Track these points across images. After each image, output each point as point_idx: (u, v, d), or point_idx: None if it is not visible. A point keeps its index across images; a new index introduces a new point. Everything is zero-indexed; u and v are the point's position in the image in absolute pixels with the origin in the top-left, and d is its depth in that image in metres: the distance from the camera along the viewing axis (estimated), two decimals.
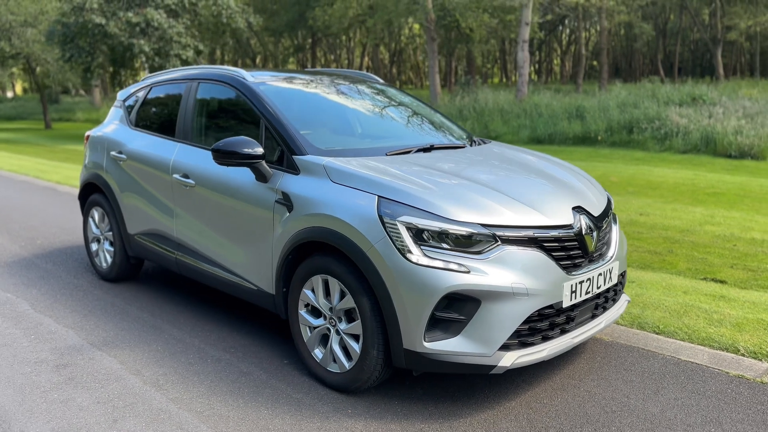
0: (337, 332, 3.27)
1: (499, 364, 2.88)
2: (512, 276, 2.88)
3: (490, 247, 2.90)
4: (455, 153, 3.89)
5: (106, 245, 5.18)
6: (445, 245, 2.90)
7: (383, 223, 2.95)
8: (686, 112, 15.14)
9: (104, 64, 22.48)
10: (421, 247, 2.89)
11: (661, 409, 3.08)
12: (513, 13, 24.39)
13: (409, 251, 2.88)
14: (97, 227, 5.28)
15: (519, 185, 3.35)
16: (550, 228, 3.04)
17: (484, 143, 4.29)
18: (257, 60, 46.82)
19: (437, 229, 2.90)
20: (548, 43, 52.39)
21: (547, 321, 3.03)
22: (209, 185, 3.94)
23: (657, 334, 4.02)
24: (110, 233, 5.08)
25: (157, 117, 4.79)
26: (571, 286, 3.06)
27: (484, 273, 2.85)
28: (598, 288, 3.24)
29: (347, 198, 3.14)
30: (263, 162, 3.54)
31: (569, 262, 3.08)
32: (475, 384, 3.35)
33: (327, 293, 3.29)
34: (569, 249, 3.09)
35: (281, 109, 3.77)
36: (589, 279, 3.16)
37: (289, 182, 3.45)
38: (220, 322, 4.32)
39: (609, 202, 3.70)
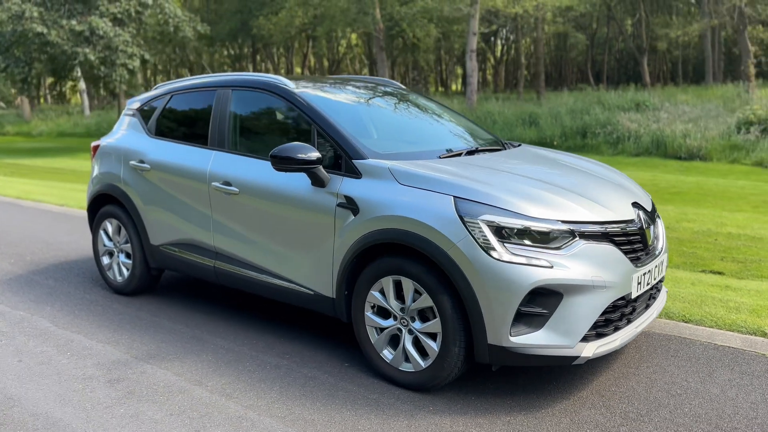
0: (410, 332, 3.32)
1: (582, 355, 3.01)
2: (591, 269, 3.03)
3: (569, 243, 3.04)
4: (500, 155, 4.02)
5: (122, 258, 5.04)
6: (526, 242, 3.01)
7: (464, 222, 3.04)
8: (635, 117, 15.90)
9: (42, 74, 21.56)
10: (504, 244, 2.99)
11: (721, 389, 3.29)
12: (459, 24, 24.95)
13: (493, 248, 2.98)
14: (111, 240, 5.13)
15: (579, 183, 3.51)
16: (617, 223, 3.21)
17: (517, 146, 4.44)
18: (193, 69, 45.88)
19: (519, 226, 3.01)
20: (482, 53, 53.70)
21: (619, 312, 3.19)
22: (256, 192, 3.93)
23: (685, 322, 4.26)
24: (127, 245, 4.95)
25: (183, 125, 4.72)
26: (638, 277, 3.23)
27: (566, 267, 2.98)
28: (654, 279, 3.43)
29: (421, 199, 3.21)
30: (321, 167, 3.57)
31: (634, 255, 3.25)
32: (540, 377, 3.48)
33: (397, 294, 3.35)
34: (633, 243, 3.26)
35: (332, 115, 3.81)
36: (649, 271, 3.35)
37: (351, 186, 3.49)
38: (260, 328, 4.29)
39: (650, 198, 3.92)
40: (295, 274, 3.80)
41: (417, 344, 3.34)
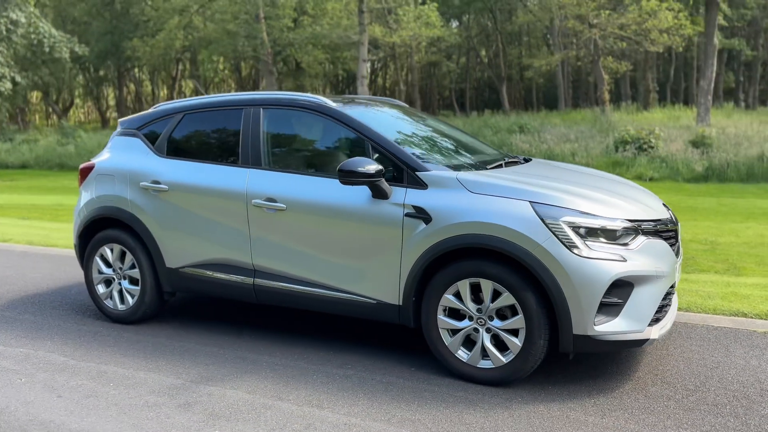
0: (488, 330, 3.56)
1: (651, 337, 3.42)
2: (652, 261, 3.46)
3: (633, 239, 3.45)
4: (532, 165, 4.38)
5: (125, 284, 4.80)
6: (601, 239, 3.39)
7: (546, 224, 3.36)
8: (525, 138, 17.20)
9: None
10: (585, 242, 3.35)
11: (743, 359, 3.85)
12: (348, 50, 25.55)
13: (576, 246, 3.32)
14: (109, 267, 4.87)
15: (618, 188, 3.95)
16: (661, 221, 3.68)
17: (531, 159, 4.82)
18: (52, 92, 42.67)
19: (597, 225, 3.38)
20: (373, 80, 54.97)
21: (668, 298, 3.66)
22: (307, 207, 3.99)
23: (734, 316, 4.71)
24: (133, 271, 4.73)
25: (203, 145, 4.64)
26: (677, 268, 3.72)
27: (635, 260, 3.39)
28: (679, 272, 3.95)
29: (499, 206, 3.49)
30: (383, 179, 3.74)
31: (674, 248, 3.74)
32: (594, 365, 3.85)
33: (473, 296, 3.58)
34: (671, 238, 3.75)
35: (384, 131, 4.00)
36: (680, 263, 3.85)
37: (418, 196, 3.69)
38: (302, 342, 4.30)
39: None
40: (354, 285, 3.90)
41: (494, 341, 3.58)
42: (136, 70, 45.77)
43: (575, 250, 3.32)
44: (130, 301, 4.78)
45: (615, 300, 3.36)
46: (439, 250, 3.58)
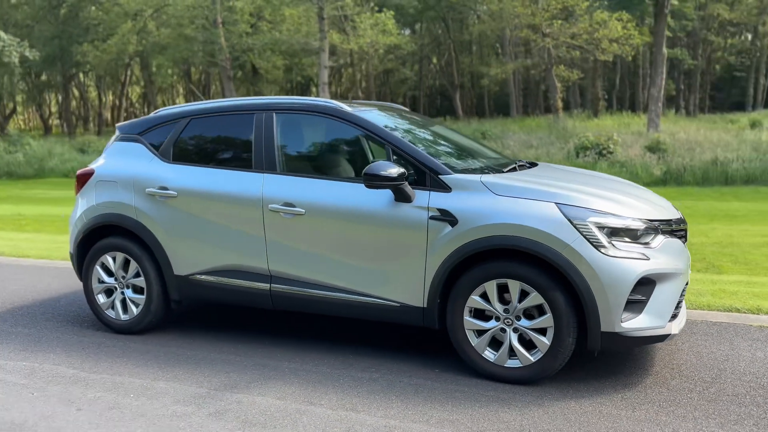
0: (515, 330, 3.64)
1: (672, 333, 3.56)
2: (670, 259, 3.60)
3: (654, 238, 3.59)
4: (541, 169, 4.48)
5: (129, 293, 4.68)
6: (626, 239, 3.51)
7: (574, 225, 3.46)
8: (489, 144, 17.47)
9: None
10: (611, 242, 3.46)
11: (749, 351, 4.04)
12: (307, 57, 25.47)
13: (603, 246, 3.43)
14: (111, 275, 4.74)
15: (632, 191, 4.09)
16: (674, 221, 3.84)
17: (537, 163, 4.89)
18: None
19: (621, 225, 3.50)
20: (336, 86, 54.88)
21: (683, 295, 3.81)
22: (327, 212, 3.99)
23: (729, 311, 4.90)
24: (138, 279, 4.62)
25: (211, 150, 4.58)
26: (689, 266, 3.88)
27: (657, 259, 3.53)
28: None
29: (526, 207, 3.57)
30: (406, 183, 3.77)
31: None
32: (611, 363, 3.97)
33: (500, 296, 3.64)
34: (682, 237, 3.91)
35: (400, 135, 4.04)
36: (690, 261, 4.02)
37: (442, 199, 3.74)
38: (319, 348, 4.28)
39: None
40: (377, 288, 3.92)
41: (521, 341, 3.65)
42: (82, 75, 44.46)
43: (603, 250, 3.43)
44: (134, 310, 4.66)
45: (639, 297, 3.48)
46: (466, 252, 3.63)
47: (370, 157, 4.60)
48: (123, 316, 4.71)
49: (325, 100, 4.31)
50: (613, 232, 3.49)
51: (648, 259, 3.49)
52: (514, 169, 4.25)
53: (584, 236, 3.44)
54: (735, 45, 43.45)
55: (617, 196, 3.77)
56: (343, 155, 4.34)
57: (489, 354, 3.71)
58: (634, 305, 3.49)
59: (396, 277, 3.87)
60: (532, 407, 3.38)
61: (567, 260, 3.44)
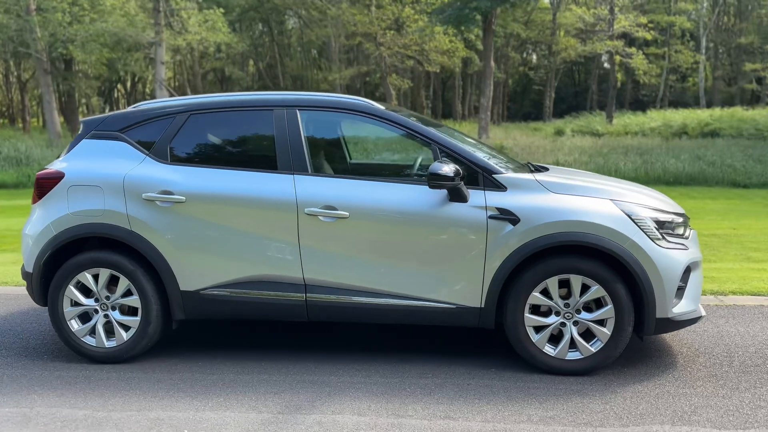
0: (575, 323, 3.77)
1: (702, 314, 3.94)
2: (697, 248, 3.99)
3: (687, 230, 3.94)
4: (562, 170, 4.62)
5: (116, 316, 4.03)
6: (671, 231, 3.82)
7: (632, 220, 3.69)
8: None
9: None
10: (663, 235, 3.74)
11: (765, 331, 4.57)
12: (138, 51, 23.52)
13: (659, 238, 3.71)
14: (90, 296, 4.04)
15: (644, 190, 4.42)
16: (686, 215, 4.25)
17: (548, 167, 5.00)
18: None
19: (668, 219, 3.80)
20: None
21: None
22: (375, 214, 3.81)
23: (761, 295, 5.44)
24: (130, 298, 3.99)
25: (222, 149, 4.11)
26: None
27: (692, 248, 3.89)
28: None
29: (587, 204, 3.73)
30: (462, 182, 3.75)
31: None
32: (631, 350, 4.26)
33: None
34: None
35: (447, 136, 3.99)
36: None
37: (500, 198, 3.76)
38: (354, 358, 4.04)
39: None
40: (431, 291, 3.82)
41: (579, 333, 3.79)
42: None
43: (658, 242, 3.70)
44: (124, 335, 4.02)
45: (681, 284, 3.81)
46: (531, 250, 3.68)
47: (412, 158, 4.46)
48: (108, 343, 4.04)
49: (357, 98, 4.10)
50: (662, 226, 3.78)
51: (687, 248, 3.83)
52: (545, 169, 4.38)
53: (642, 230, 3.68)
54: (529, 61, 48.52)
55: (650, 193, 4.08)
56: (390, 155, 4.15)
57: (549, 349, 3.79)
58: (678, 292, 3.80)
59: (452, 278, 3.80)
60: (608, 394, 3.54)
61: (629, 253, 3.65)
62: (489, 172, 3.83)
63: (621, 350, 3.77)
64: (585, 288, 3.73)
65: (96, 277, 4.02)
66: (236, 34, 34.68)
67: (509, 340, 3.85)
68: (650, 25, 31.92)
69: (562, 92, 50.60)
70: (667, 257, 3.70)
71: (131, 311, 4.05)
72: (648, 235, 3.68)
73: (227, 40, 30.46)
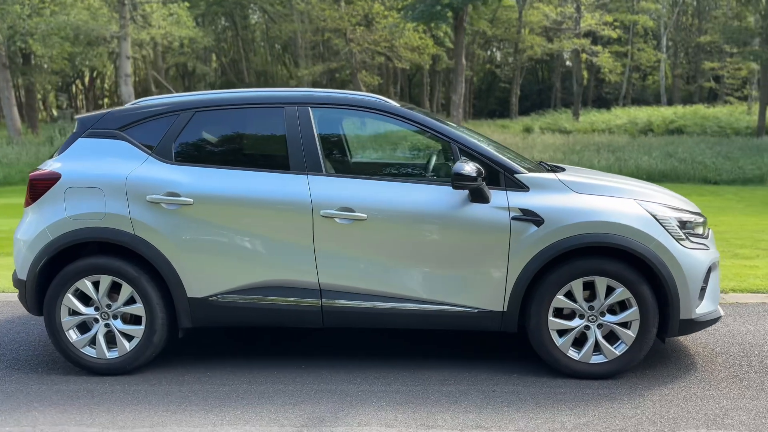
0: (599, 326, 3.70)
1: (721, 315, 3.92)
2: (715, 248, 3.96)
3: (705, 230, 3.91)
4: (577, 170, 4.53)
5: (118, 324, 3.80)
6: (693, 231, 3.77)
7: (658, 220, 3.63)
8: None
9: None
10: (687, 235, 3.70)
11: None
12: (99, 46, 22.81)
13: (683, 239, 3.66)
14: (90, 305, 3.80)
15: (661, 188, 4.37)
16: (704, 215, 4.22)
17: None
18: None
19: (691, 219, 3.76)
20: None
21: None
22: (394, 216, 3.67)
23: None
24: (132, 306, 3.77)
25: (229, 148, 3.92)
26: None
27: (711, 248, 3.86)
28: None
29: (612, 205, 3.65)
30: (484, 183, 3.64)
31: None
32: (659, 348, 4.22)
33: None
34: None
35: (468, 134, 3.87)
36: None
37: (523, 199, 3.66)
38: (369, 365, 3.89)
39: None
40: (452, 295, 3.70)
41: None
42: None
43: (682, 243, 3.65)
44: (127, 345, 3.80)
45: (703, 284, 3.77)
46: (555, 252, 3.59)
47: (430, 156, 4.31)
48: (109, 354, 3.81)
49: (372, 95, 3.95)
50: (684, 226, 3.73)
51: (708, 248, 3.80)
52: (562, 169, 4.29)
53: (667, 230, 3.63)
54: (494, 59, 48.86)
55: (669, 193, 4.03)
56: (399, 155, 4.01)
57: (573, 353, 3.71)
58: (701, 292, 3.76)
59: (474, 281, 3.69)
60: (636, 398, 3.47)
61: (655, 254, 3.59)
62: (511, 171, 3.73)
63: (645, 352, 3.71)
64: (610, 290, 3.66)
65: (96, 285, 3.79)
66: (201, 29, 34.14)
67: (532, 344, 3.75)
68: (616, 23, 32.42)
69: (526, 90, 51.04)
70: (691, 258, 3.65)
71: (134, 320, 3.83)
72: (673, 236, 3.63)
73: (192, 34, 29.95)
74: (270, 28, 40.99)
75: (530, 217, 3.62)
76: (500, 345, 4.28)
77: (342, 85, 33.59)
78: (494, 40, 45.51)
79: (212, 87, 47.77)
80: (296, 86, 36.66)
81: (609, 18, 31.33)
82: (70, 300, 3.79)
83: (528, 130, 28.59)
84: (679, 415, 3.28)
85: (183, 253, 3.74)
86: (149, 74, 34.37)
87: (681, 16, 45.99)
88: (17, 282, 3.92)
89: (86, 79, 44.31)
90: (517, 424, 3.21)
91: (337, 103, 3.93)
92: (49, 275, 3.82)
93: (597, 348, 3.70)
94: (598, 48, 31.90)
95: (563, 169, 4.17)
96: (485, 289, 3.68)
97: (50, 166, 3.92)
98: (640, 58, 39.02)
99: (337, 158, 3.95)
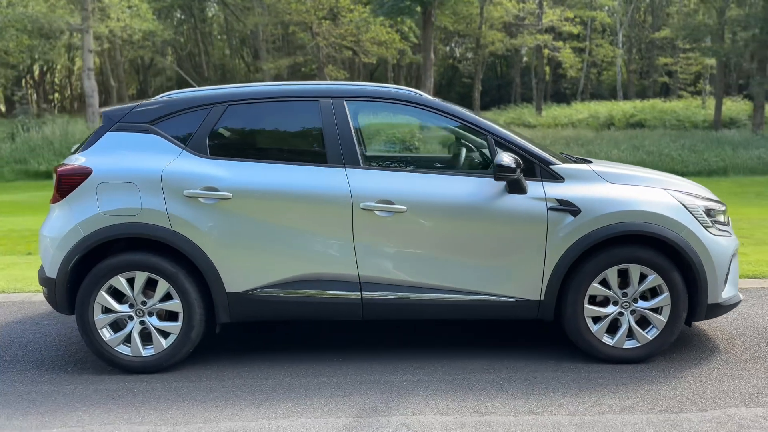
0: (632, 312, 3.82)
1: (741, 299, 4.09)
2: (734, 236, 4.12)
3: (726, 218, 4.07)
4: (601, 162, 4.64)
5: (154, 321, 3.75)
6: (717, 219, 3.92)
7: (687, 209, 3.77)
8: None
9: None
10: (713, 223, 3.84)
11: None
12: (58, 39, 22.10)
13: (710, 226, 3.81)
14: (124, 302, 3.74)
15: (682, 179, 4.50)
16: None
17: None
18: None
19: (716, 208, 3.91)
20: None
21: None
22: (433, 208, 3.71)
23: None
24: (169, 303, 3.72)
25: (265, 142, 3.89)
26: None
27: (733, 235, 4.02)
28: None
29: (644, 194, 3.77)
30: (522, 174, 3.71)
31: None
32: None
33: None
34: None
35: (498, 126, 3.93)
36: None
37: (559, 189, 3.74)
38: (404, 356, 3.93)
39: None
40: (491, 285, 3.76)
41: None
42: None
43: (710, 230, 3.79)
44: (163, 342, 3.74)
45: (727, 270, 3.93)
46: (592, 241, 3.69)
47: (464, 148, 4.33)
48: (145, 352, 3.75)
49: (405, 88, 3.98)
50: (709, 214, 3.88)
51: (731, 235, 3.96)
52: (578, 161, 4.38)
53: (696, 218, 3.76)
54: (454, 54, 49.24)
55: (690, 182, 4.18)
56: (441, 146, 4.05)
57: (608, 339, 3.82)
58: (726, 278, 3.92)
59: (512, 271, 3.76)
60: (671, 380, 3.60)
61: (686, 242, 3.72)
62: (546, 163, 3.81)
63: (675, 336, 3.85)
64: (642, 277, 3.77)
65: (130, 281, 3.72)
66: (161, 22, 33.40)
67: (567, 330, 3.85)
68: (577, 19, 33.05)
69: (486, 85, 51.53)
70: (718, 244, 3.80)
71: (169, 316, 3.78)
72: (701, 223, 3.77)
73: (153, 27, 29.34)
74: (229, 21, 40.43)
75: (567, 207, 3.71)
76: (523, 332, 4.37)
77: (305, 79, 33.34)
78: (457, 35, 45.85)
79: (171, 81, 46.91)
80: (262, 80, 36.28)
81: (570, 14, 31.92)
82: (104, 297, 3.71)
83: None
84: (716, 394, 3.42)
85: (221, 248, 3.70)
86: (107, 68, 33.48)
87: (635, 13, 47.20)
88: (45, 280, 3.81)
89: (36, 74, 42.86)
90: (566, 408, 3.29)
91: (371, 97, 3.94)
92: (81, 274, 3.73)
93: (629, 333, 3.82)
94: (560, 44, 32.48)
95: (590, 161, 4.27)
96: (523, 278, 3.76)
97: (77, 160, 3.83)
98: (598, 54, 39.88)
99: (377, 151, 3.96)
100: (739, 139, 18.45)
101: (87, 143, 3.90)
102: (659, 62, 40.42)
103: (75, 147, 4.12)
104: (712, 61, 29.76)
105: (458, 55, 50.34)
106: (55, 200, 3.80)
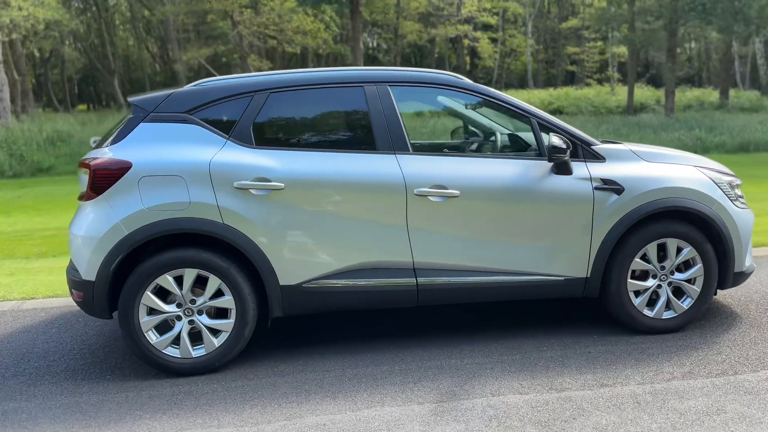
0: (669, 284, 4.00)
1: (755, 267, 4.38)
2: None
3: (740, 191, 4.34)
4: (629, 144, 4.78)
5: (205, 320, 3.57)
6: (737, 192, 4.18)
7: (716, 184, 3.99)
8: None
9: None
10: (736, 196, 4.10)
11: None
12: None
13: (736, 199, 4.06)
14: (171, 301, 3.54)
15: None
16: None
17: None
18: None
19: (739, 182, 4.16)
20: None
21: None
22: (485, 192, 3.74)
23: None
24: (220, 299, 3.56)
25: (311, 130, 3.76)
26: None
27: (749, 207, 4.30)
28: None
29: (678, 172, 3.96)
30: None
31: None
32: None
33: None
34: None
35: (540, 110, 4.01)
36: None
37: (602, 169, 3.87)
38: (447, 339, 3.95)
39: None
40: (541, 265, 3.84)
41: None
42: None
43: (735, 203, 4.04)
44: (214, 342, 3.58)
45: (750, 240, 4.20)
46: (636, 217, 3.84)
47: (500, 131, 4.35)
48: (195, 352, 3.57)
49: (447, 73, 3.97)
50: (732, 187, 4.13)
51: (748, 208, 4.23)
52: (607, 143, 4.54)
53: (724, 193, 4.00)
54: (373, 45, 49.41)
55: (708, 159, 4.42)
56: (476, 131, 4.05)
57: (648, 311, 3.99)
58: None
59: (561, 251, 3.85)
60: (714, 345, 3.81)
61: (717, 215, 3.94)
62: (588, 144, 3.92)
63: (708, 304, 4.07)
64: (679, 250, 3.96)
65: (178, 279, 3.52)
66: (66, 11, 31.44)
67: (609, 306, 3.98)
68: (494, 9, 33.93)
69: None
70: (742, 217, 4.06)
71: (218, 314, 3.61)
72: (729, 197, 4.01)
73: (58, 16, 27.67)
74: (134, 10, 38.67)
75: (611, 186, 3.84)
76: (539, 313, 4.49)
77: (222, 69, 32.40)
78: (370, 25, 45.93)
79: (78, 74, 44.34)
80: (177, 72, 34.88)
81: (487, 4, 32.72)
82: (150, 298, 3.49)
83: (418, 113, 29.27)
84: (758, 356, 3.65)
85: (274, 240, 3.57)
86: (10, 60, 31.14)
87: (542, 4, 49.01)
88: (81, 284, 3.54)
89: None
90: (634, 378, 3.42)
91: (414, 81, 3.90)
92: (123, 274, 3.50)
93: (667, 304, 4.01)
94: (478, 34, 33.25)
95: (617, 143, 4.43)
96: (571, 257, 3.86)
97: (109, 153, 3.56)
98: (511, 44, 41.11)
99: (421, 136, 3.93)
100: (656, 122, 19.61)
101: (118, 135, 3.64)
102: (567, 51, 42.12)
103: (95, 139, 3.85)
104: (620, 50, 31.45)
105: (375, 45, 50.50)
106: (88, 197, 3.53)
